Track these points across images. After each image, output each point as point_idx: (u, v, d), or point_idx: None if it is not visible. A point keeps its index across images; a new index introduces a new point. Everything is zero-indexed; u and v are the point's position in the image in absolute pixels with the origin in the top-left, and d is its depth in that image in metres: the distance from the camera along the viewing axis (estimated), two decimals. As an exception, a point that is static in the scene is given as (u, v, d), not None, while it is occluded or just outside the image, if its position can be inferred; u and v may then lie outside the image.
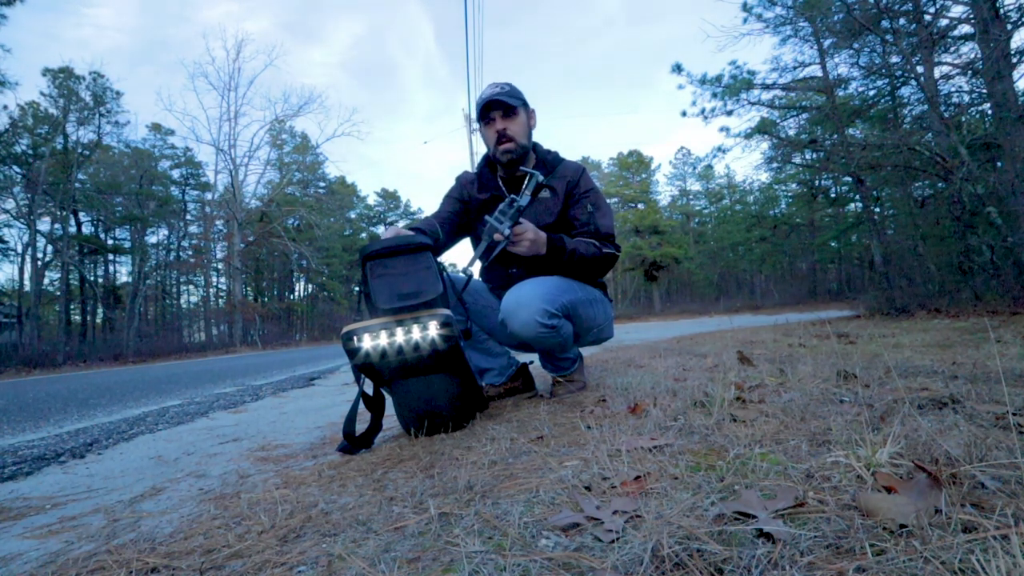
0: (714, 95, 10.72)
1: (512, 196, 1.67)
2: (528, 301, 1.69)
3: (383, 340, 1.38)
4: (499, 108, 1.85)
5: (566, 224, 1.94)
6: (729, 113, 10.97)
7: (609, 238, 1.90)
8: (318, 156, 32.30)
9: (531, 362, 2.32)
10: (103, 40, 53.82)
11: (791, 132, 11.63)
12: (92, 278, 27.36)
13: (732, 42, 12.35)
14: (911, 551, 0.55)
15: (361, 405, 1.52)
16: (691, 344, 4.48)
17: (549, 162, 1.99)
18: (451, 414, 1.51)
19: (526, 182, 1.71)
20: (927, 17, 8.09)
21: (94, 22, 54.29)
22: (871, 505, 0.65)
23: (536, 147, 2.03)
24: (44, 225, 22.80)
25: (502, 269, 2.00)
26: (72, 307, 26.84)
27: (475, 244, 2.02)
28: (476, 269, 1.91)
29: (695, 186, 44.17)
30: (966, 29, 7.75)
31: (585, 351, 4.90)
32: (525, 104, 1.94)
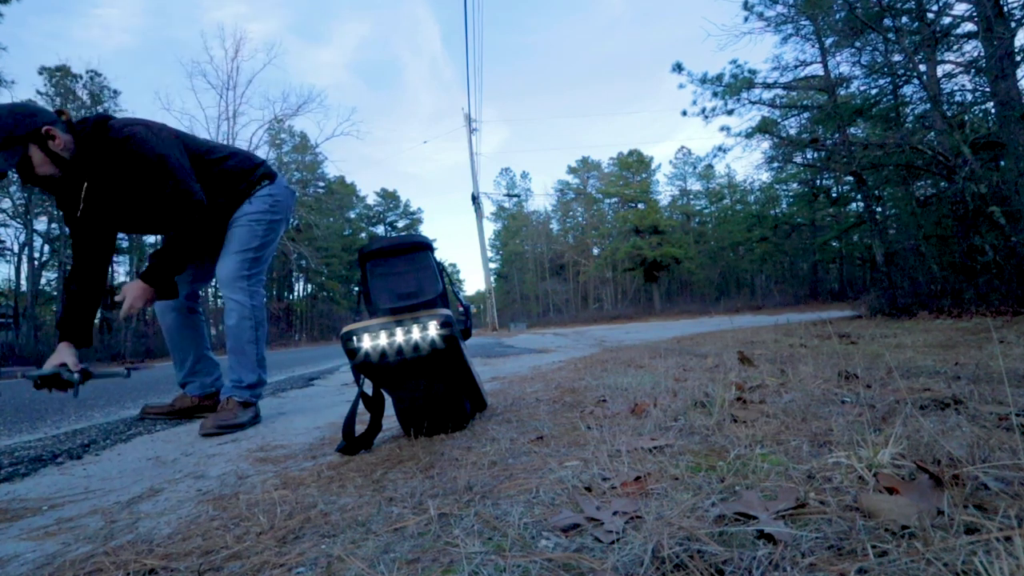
0: (715, 94, 10.72)
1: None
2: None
3: (383, 340, 1.37)
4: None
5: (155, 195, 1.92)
6: (730, 112, 10.98)
7: (182, 200, 1.88)
8: (317, 156, 32.28)
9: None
10: (110, 40, 54.14)
11: (792, 131, 11.62)
12: (93, 278, 27.30)
13: (733, 41, 12.41)
14: (913, 552, 0.54)
15: (361, 405, 1.52)
16: (691, 344, 4.47)
17: (95, 157, 1.85)
18: (451, 414, 1.50)
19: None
20: (930, 15, 8.07)
21: (102, 22, 54.53)
22: (873, 506, 0.65)
23: (94, 146, 1.84)
24: (41, 224, 22.84)
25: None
26: (73, 307, 26.79)
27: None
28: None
29: (695, 186, 44.20)
30: (969, 27, 7.73)
31: (583, 350, 4.88)
32: (23, 139, 1.69)
